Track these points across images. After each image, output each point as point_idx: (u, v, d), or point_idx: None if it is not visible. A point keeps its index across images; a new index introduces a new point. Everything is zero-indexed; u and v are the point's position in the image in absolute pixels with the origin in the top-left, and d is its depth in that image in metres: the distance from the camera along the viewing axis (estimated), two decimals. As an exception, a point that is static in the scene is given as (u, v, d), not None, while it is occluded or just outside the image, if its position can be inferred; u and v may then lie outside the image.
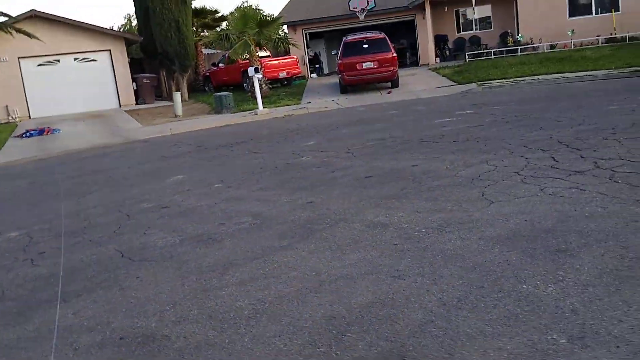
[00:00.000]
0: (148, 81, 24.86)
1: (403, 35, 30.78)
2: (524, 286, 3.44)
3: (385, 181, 6.69)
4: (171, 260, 4.78)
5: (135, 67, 26.70)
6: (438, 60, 28.36)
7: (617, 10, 25.37)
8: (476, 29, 29.19)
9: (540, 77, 19.23)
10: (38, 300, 4.28)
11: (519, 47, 25.96)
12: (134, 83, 24.55)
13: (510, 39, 26.74)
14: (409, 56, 30.89)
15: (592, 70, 18.93)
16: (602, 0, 25.93)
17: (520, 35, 26.46)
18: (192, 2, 26.10)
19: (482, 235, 4.41)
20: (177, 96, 20.62)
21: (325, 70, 31.36)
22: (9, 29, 20.03)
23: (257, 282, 4.04)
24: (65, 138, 17.46)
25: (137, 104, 24.38)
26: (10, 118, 22.42)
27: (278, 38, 24.87)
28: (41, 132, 18.49)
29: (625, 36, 24.66)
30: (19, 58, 22.57)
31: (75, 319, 3.82)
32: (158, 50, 24.57)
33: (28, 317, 3.97)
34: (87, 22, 23.96)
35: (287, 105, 20.08)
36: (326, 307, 3.51)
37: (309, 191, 6.66)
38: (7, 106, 22.52)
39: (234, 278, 4.18)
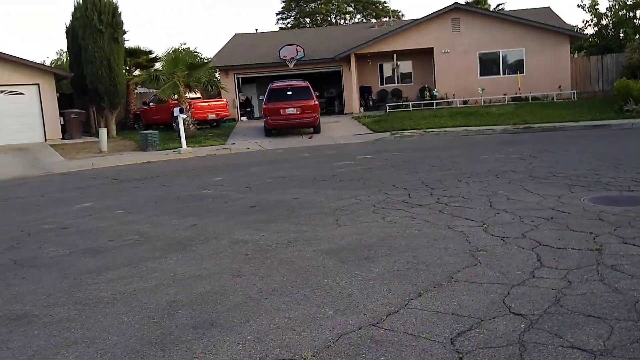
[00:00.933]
0: (76, 116, 25.20)
1: (332, 84, 32.43)
2: (325, 280, 4.49)
3: (266, 210, 7.71)
4: (57, 266, 5.57)
5: (65, 102, 26.99)
6: (362, 109, 29.99)
7: (522, 72, 27.93)
8: (398, 83, 31.23)
9: (447, 129, 20.96)
10: None
11: (434, 101, 28.02)
12: (62, 118, 24.82)
13: (428, 94, 28.84)
14: (337, 105, 32.40)
15: (492, 125, 20.85)
16: (509, 63, 28.52)
17: (436, 90, 28.58)
18: (127, 42, 26.90)
19: (317, 248, 5.46)
20: (103, 132, 21.14)
21: (256, 114, 32.50)
22: None
23: (123, 280, 4.91)
24: (-16, 168, 17.59)
25: (63, 138, 24.62)
26: None
27: (207, 81, 25.89)
28: None
29: (529, 96, 27.18)
30: (-59, 88, 22.53)
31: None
32: (89, 87, 25.05)
33: None
34: (16, 55, 24.25)
35: (212, 145, 20.97)
36: (171, 295, 4.43)
37: (197, 217, 7.58)
38: None
39: (105, 278, 5.03)
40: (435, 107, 27.50)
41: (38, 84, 24.37)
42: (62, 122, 24.87)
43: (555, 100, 26.77)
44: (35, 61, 26.92)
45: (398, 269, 4.65)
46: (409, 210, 6.91)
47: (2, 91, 23.84)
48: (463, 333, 3.36)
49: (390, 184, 9.09)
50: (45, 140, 24.21)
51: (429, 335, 3.37)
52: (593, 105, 23.43)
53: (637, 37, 31.49)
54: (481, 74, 28.46)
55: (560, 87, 27.22)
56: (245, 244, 5.85)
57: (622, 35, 33.61)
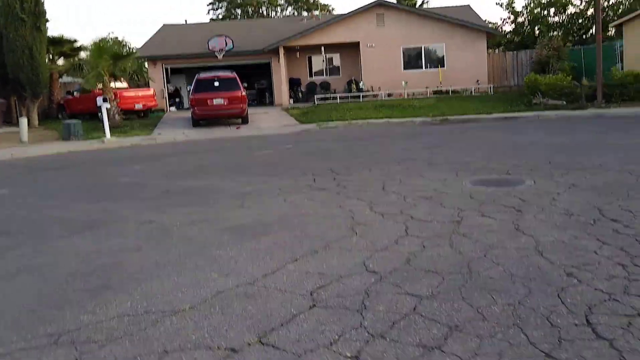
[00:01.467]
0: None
1: (263, 76, 32.72)
2: (218, 252, 5.02)
3: (177, 195, 8.13)
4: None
5: (-16, 92, 26.07)
6: (292, 101, 30.47)
7: (443, 66, 29.21)
8: (326, 75, 31.90)
9: (370, 120, 21.76)
10: None
11: (361, 94, 28.89)
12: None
13: (355, 86, 29.68)
14: (267, 96, 32.68)
15: (413, 117, 21.81)
16: (430, 57, 29.72)
17: (362, 83, 29.45)
18: (49, 30, 26.20)
19: (218, 227, 5.98)
20: (24, 122, 20.69)
21: (185, 105, 32.30)
22: None
23: (29, 257, 5.27)
24: None
25: None
26: None
27: (134, 71, 25.68)
28: None
29: (449, 89, 28.47)
30: None
31: None
32: (9, 76, 24.35)
33: None
34: None
35: (138, 135, 20.91)
36: (72, 267, 4.84)
37: (109, 202, 7.91)
38: None
39: (12, 255, 5.38)
40: (361, 99, 28.35)
41: (-46, 73, 23.46)
42: (-19, 112, 24.09)
43: (473, 94, 28.18)
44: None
45: (284, 241, 5.24)
46: (310, 193, 7.52)
47: None
48: (322, 287, 3.97)
49: (301, 171, 9.68)
50: (-38, 130, 23.38)
51: (294, 289, 3.96)
52: (507, 98, 24.91)
53: (550, 34, 33.54)
54: (405, 68, 29.53)
55: (478, 81, 28.65)
56: (151, 224, 6.28)
57: (537, 32, 35.69)
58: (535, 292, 3.66)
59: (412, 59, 29.68)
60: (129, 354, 3.16)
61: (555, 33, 33.46)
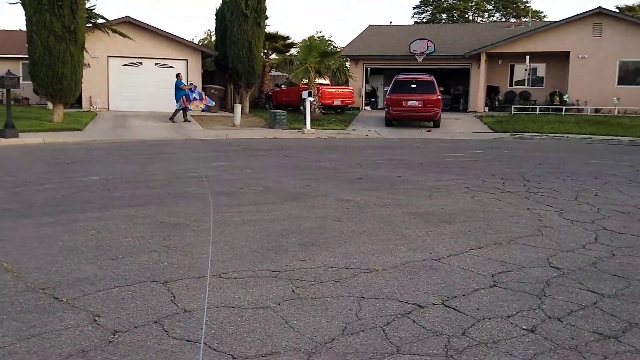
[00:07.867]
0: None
1: (459, 82, 32.56)
2: (407, 230, 5.53)
3: (370, 181, 8.83)
4: (200, 200, 7.09)
5: (207, 78, 29.77)
6: (487, 109, 29.88)
7: (666, 83, 26.45)
8: (528, 85, 30.67)
9: (570, 135, 20.67)
10: (113, 206, 6.58)
11: (564, 107, 27.36)
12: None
13: (557, 99, 28.18)
14: (462, 102, 32.39)
15: (620, 136, 20.27)
16: (651, 72, 27.09)
17: (567, 95, 27.86)
18: (267, 27, 28.92)
19: (407, 211, 6.49)
20: (238, 108, 23.29)
21: (380, 105, 33.42)
22: (106, 29, 23.41)
23: (250, 213, 6.28)
24: (135, 130, 20.30)
25: (202, 111, 27.25)
26: (91, 107, 25.73)
27: (337, 69, 27.30)
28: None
29: (671, 109, 25.70)
30: (108, 56, 25.87)
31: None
32: (229, 66, 27.44)
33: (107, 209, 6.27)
34: (171, 32, 27.20)
35: (334, 129, 22.34)
36: (285, 225, 5.72)
37: (311, 180, 8.87)
38: (90, 97, 25.87)
39: (237, 210, 6.45)
40: (563, 112, 26.87)
41: (187, 60, 27.20)
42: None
43: (701, 115, 25.12)
44: (187, 39, 29.88)
45: (469, 230, 5.56)
46: (497, 194, 7.67)
47: (156, 63, 26.93)
48: (503, 272, 4.25)
49: (489, 174, 9.79)
50: (188, 110, 26.93)
51: (476, 270, 4.30)
52: None
53: None
54: (619, 83, 27.30)
55: None
56: (347, 202, 7.01)
57: None
58: None
59: (629, 74, 27.32)
60: (333, 293, 3.80)
61: None
